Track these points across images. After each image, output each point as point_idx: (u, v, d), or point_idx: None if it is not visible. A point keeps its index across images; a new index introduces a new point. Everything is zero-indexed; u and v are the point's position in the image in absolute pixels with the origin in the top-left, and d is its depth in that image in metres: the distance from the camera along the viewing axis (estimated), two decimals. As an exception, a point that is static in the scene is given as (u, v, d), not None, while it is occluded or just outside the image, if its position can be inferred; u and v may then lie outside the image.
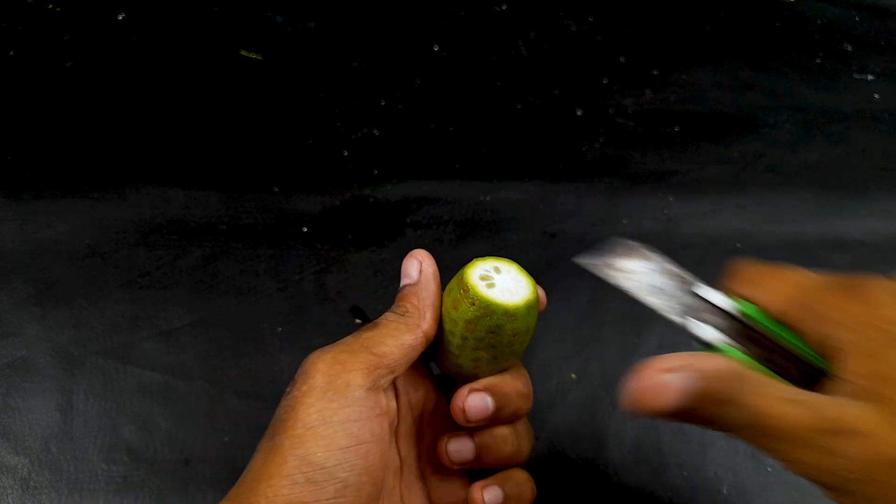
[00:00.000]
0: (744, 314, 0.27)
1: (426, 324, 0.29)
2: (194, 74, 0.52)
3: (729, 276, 0.28)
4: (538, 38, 0.57)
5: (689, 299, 0.28)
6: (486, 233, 0.47)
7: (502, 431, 0.31)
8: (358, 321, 0.43)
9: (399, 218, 0.47)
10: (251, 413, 0.39)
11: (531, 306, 0.29)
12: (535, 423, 0.40)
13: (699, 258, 0.46)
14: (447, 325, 0.29)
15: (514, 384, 0.30)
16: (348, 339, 0.28)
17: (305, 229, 0.46)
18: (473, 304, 0.28)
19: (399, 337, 0.28)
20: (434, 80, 0.54)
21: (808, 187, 0.51)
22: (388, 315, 0.29)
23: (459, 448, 0.30)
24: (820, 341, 0.25)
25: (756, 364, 0.26)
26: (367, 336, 0.28)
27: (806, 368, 0.26)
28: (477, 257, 0.30)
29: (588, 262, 0.29)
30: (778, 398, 0.23)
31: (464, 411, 0.29)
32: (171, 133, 0.49)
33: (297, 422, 0.25)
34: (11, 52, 0.52)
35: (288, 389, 0.27)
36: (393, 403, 0.29)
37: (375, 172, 0.49)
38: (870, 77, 0.57)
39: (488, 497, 0.30)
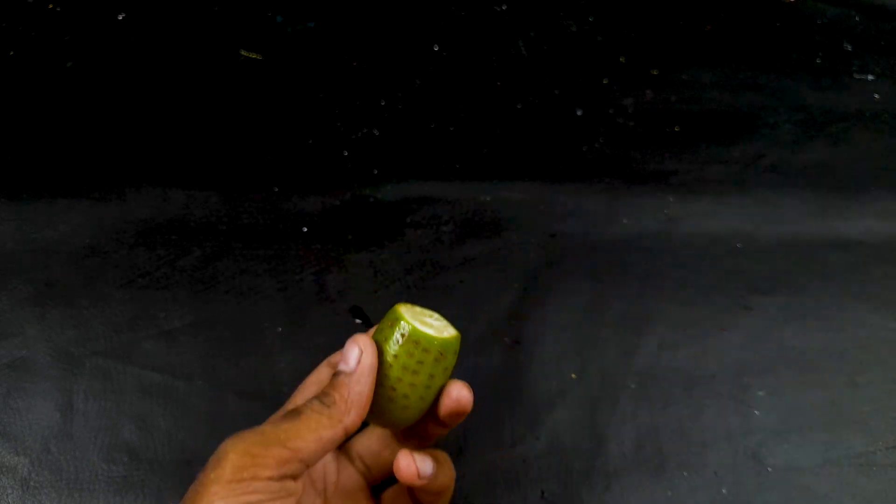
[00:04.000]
0: None
1: (349, 420, 0.29)
2: (194, 74, 0.52)
3: None
4: (538, 38, 0.57)
5: None
6: (486, 233, 0.47)
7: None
8: (358, 321, 0.43)
9: (399, 218, 0.47)
10: (251, 413, 0.39)
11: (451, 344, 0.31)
12: (535, 423, 0.40)
13: (699, 258, 0.47)
14: (387, 380, 0.31)
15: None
16: (267, 427, 0.28)
17: (305, 229, 0.46)
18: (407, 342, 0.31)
19: (318, 431, 0.28)
20: (434, 80, 0.54)
21: (808, 187, 0.51)
22: (313, 403, 0.29)
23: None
24: None
25: None
26: (286, 428, 0.28)
27: None
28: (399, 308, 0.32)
29: None
30: None
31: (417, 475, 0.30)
32: (171, 133, 0.49)
33: None
34: (11, 52, 0.52)
35: (199, 474, 0.27)
36: (300, 484, 0.29)
37: (375, 172, 0.49)
38: (870, 77, 0.57)
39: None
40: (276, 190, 0.47)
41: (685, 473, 0.39)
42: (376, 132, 0.51)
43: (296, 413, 0.28)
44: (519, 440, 0.40)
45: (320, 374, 0.35)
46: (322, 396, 0.29)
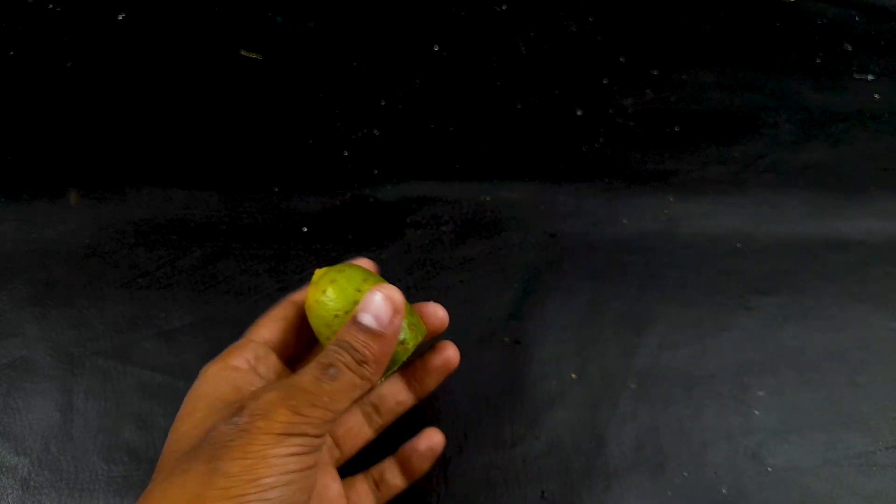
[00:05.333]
0: None
1: (376, 378, 0.29)
2: (194, 74, 0.52)
3: None
4: (538, 38, 0.57)
5: None
6: (486, 233, 0.47)
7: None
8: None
9: (399, 218, 0.47)
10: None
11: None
12: (535, 423, 0.41)
13: (699, 258, 0.47)
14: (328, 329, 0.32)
15: None
16: (309, 384, 0.28)
17: (305, 229, 0.46)
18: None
19: (353, 391, 0.29)
20: (434, 80, 0.54)
21: (808, 187, 0.51)
22: (348, 357, 0.29)
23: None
24: None
25: None
26: (328, 390, 0.28)
27: None
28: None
29: None
30: None
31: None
32: (171, 133, 0.49)
33: (249, 452, 0.26)
34: (11, 52, 0.52)
35: (236, 416, 0.27)
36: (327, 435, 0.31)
37: (375, 172, 0.49)
38: (870, 77, 0.57)
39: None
40: (276, 190, 0.47)
41: (685, 473, 0.39)
42: (376, 132, 0.51)
43: (333, 372, 0.28)
44: (519, 440, 0.40)
45: (285, 311, 0.34)
46: (353, 352, 0.29)
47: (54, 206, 0.46)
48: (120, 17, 0.55)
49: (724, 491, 0.39)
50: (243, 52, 0.54)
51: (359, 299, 0.31)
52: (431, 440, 0.36)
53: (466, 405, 0.41)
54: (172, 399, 0.40)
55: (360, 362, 0.29)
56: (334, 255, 0.45)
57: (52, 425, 0.39)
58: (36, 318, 0.42)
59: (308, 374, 0.28)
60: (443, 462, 0.39)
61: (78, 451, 0.38)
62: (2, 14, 0.54)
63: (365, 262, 0.37)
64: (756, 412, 0.41)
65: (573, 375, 0.42)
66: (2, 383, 0.40)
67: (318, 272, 0.33)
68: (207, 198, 0.47)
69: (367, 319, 0.29)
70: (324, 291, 0.32)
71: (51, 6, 0.55)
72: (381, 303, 0.29)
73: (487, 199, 0.48)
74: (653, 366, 0.42)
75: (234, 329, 0.42)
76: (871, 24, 0.60)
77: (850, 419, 0.41)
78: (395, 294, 0.30)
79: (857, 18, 0.61)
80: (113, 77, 0.52)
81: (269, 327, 0.33)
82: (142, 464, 0.38)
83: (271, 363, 0.32)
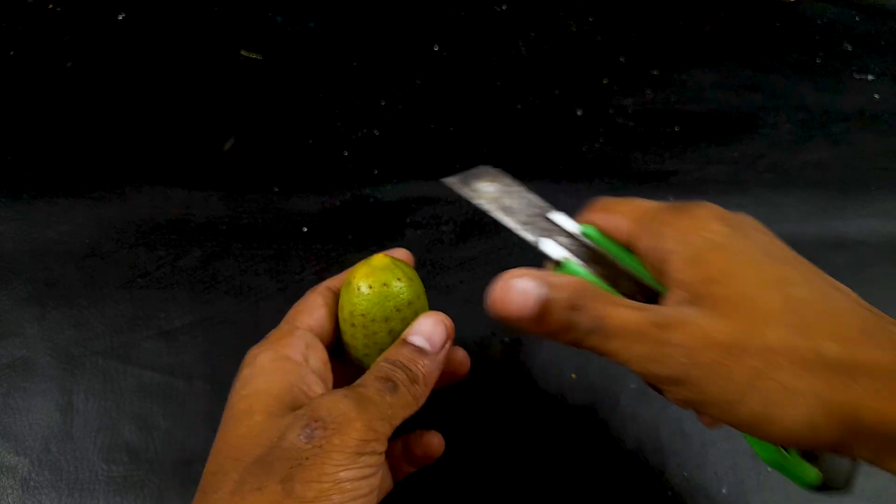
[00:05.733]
0: (587, 236, 0.30)
1: (423, 400, 0.30)
2: (194, 74, 0.52)
3: (588, 208, 0.31)
4: (538, 38, 0.57)
5: (542, 223, 0.31)
6: (486, 233, 0.47)
7: None
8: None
9: (399, 218, 0.47)
10: (251, 413, 0.39)
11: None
12: (535, 423, 0.41)
13: (699, 258, 0.46)
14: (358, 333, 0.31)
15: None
16: (374, 396, 0.27)
17: (305, 229, 0.46)
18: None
19: (408, 409, 0.29)
20: (434, 80, 0.54)
21: (808, 187, 0.51)
22: (402, 374, 0.29)
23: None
24: (655, 255, 0.27)
25: (600, 282, 0.29)
26: (391, 403, 0.28)
27: (646, 291, 0.29)
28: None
29: (452, 182, 0.31)
30: (617, 304, 0.26)
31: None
32: (172, 133, 0.49)
33: (324, 474, 0.25)
34: (11, 52, 0.52)
35: (307, 426, 0.26)
36: None
37: (375, 172, 0.49)
38: (870, 77, 0.57)
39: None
40: (276, 190, 0.47)
41: (685, 473, 0.39)
42: (376, 132, 0.51)
43: (394, 386, 0.28)
44: (519, 440, 0.40)
45: (326, 298, 0.33)
46: (406, 370, 0.29)
47: (54, 206, 0.46)
48: (120, 17, 0.55)
49: (724, 491, 0.39)
50: (243, 53, 0.54)
51: (389, 316, 0.31)
52: (430, 446, 0.35)
53: (466, 405, 0.41)
54: (172, 399, 0.40)
55: (413, 381, 0.29)
56: (334, 255, 0.45)
57: (52, 425, 0.39)
58: (36, 318, 0.42)
59: (371, 387, 0.28)
60: (443, 462, 0.39)
61: (78, 451, 0.38)
62: (2, 14, 0.54)
63: (402, 253, 0.36)
64: (756, 412, 0.41)
65: (573, 375, 0.42)
66: (2, 383, 0.40)
67: (383, 258, 0.32)
68: (207, 198, 0.47)
69: (418, 341, 0.30)
70: (385, 284, 0.31)
71: (51, 6, 0.55)
72: (433, 326, 0.30)
73: (487, 199, 0.48)
74: (653, 366, 0.42)
75: (234, 329, 0.42)
76: (871, 24, 0.61)
77: (850, 419, 0.41)
78: (448, 320, 0.31)
79: (857, 18, 0.61)
80: (113, 77, 0.52)
81: (313, 314, 0.32)
82: (142, 464, 0.38)
83: (319, 353, 0.31)
